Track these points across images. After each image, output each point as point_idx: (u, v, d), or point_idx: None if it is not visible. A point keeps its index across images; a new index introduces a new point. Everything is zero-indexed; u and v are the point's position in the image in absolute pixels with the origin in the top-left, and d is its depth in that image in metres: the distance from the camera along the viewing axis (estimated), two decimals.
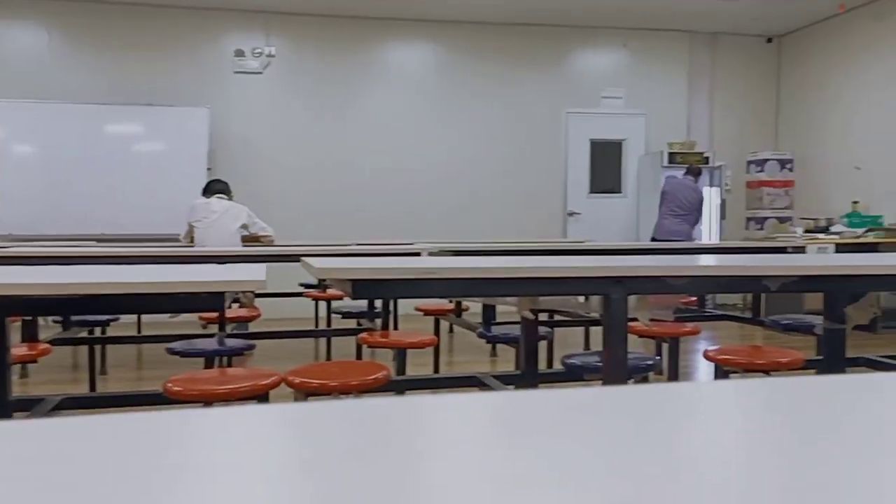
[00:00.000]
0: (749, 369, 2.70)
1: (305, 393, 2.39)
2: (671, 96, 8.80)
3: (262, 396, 2.34)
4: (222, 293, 1.81)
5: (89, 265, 2.87)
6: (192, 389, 2.28)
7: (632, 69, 8.72)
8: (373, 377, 2.42)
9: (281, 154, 7.95)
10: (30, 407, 2.71)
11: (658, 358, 3.56)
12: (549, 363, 4.39)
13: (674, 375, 3.69)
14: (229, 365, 3.72)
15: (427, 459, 0.38)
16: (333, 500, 0.32)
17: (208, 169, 7.37)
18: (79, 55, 7.55)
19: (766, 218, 8.34)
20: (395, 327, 5.33)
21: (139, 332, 5.84)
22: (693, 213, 7.05)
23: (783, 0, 7.62)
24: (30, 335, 3.89)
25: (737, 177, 8.61)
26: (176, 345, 3.24)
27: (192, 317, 5.12)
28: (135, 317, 6.07)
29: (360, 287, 1.94)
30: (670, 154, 8.15)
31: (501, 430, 0.43)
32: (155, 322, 5.79)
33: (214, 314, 4.27)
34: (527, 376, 3.04)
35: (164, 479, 0.34)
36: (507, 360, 5.09)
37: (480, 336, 3.87)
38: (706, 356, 2.83)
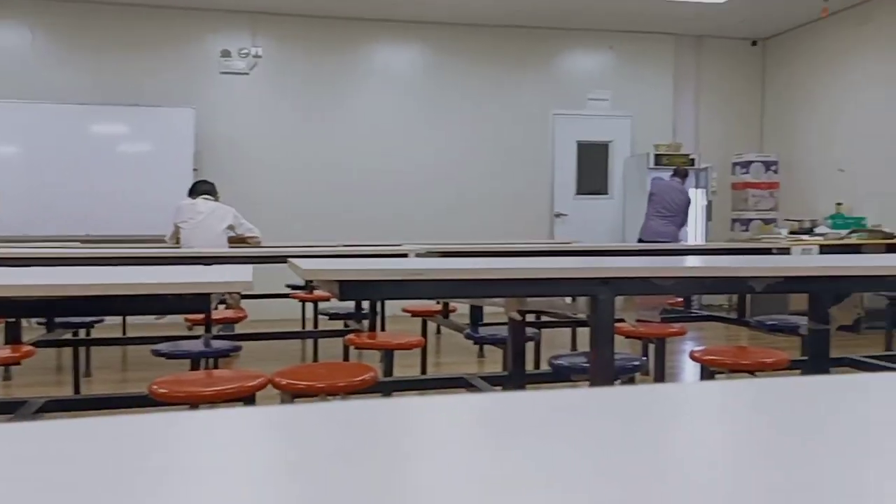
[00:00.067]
0: (735, 370, 2.71)
1: (292, 394, 2.38)
2: (657, 98, 8.85)
3: (248, 398, 2.33)
4: (208, 294, 1.80)
5: (74, 266, 2.84)
6: (178, 391, 2.26)
7: (618, 71, 8.76)
8: (360, 378, 2.42)
9: (268, 155, 7.92)
10: (13, 410, 2.68)
11: (644, 358, 3.57)
12: (537, 364, 4.40)
13: (660, 376, 3.70)
14: (215, 366, 3.70)
15: (414, 461, 0.38)
16: (320, 502, 0.32)
17: (194, 170, 7.33)
18: (63, 55, 7.50)
19: (751, 219, 8.40)
20: (383, 328, 5.32)
21: (124, 333, 5.79)
22: (679, 214, 7.09)
23: (768, 4, 7.68)
24: (13, 337, 3.85)
25: (722, 178, 8.66)
26: (161, 346, 3.22)
27: (178, 318, 5.08)
28: (120, 318, 6.03)
29: (347, 288, 1.93)
30: (656, 156, 8.18)
31: (489, 432, 0.43)
32: (140, 323, 5.75)
33: (200, 315, 4.25)
34: (514, 377, 3.04)
35: (150, 482, 0.34)
36: (494, 361, 5.10)
37: (468, 337, 3.87)
38: (692, 357, 2.84)
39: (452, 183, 8.29)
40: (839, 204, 7.56)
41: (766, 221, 8.27)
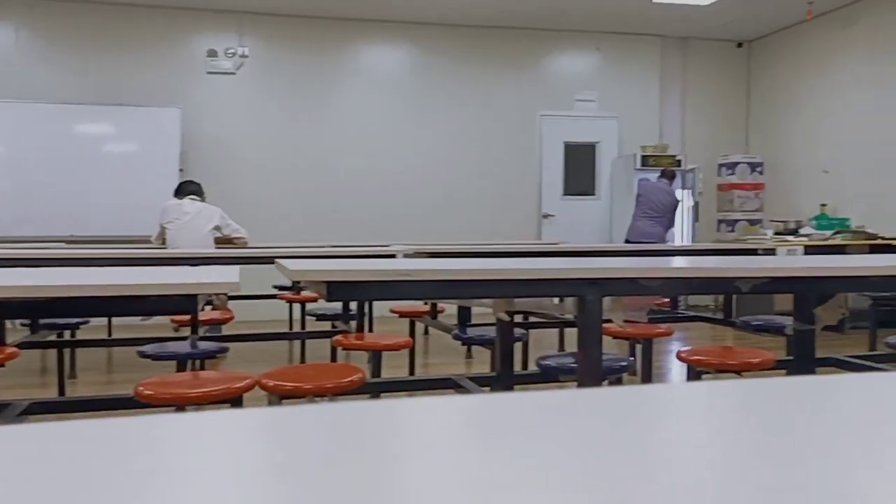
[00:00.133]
0: (721, 370, 2.73)
1: (280, 396, 2.37)
2: (643, 100, 8.89)
3: (235, 400, 2.32)
4: (195, 295, 1.79)
5: (58, 267, 2.82)
6: (164, 393, 2.25)
7: (605, 73, 8.80)
8: (348, 380, 2.41)
9: (254, 155, 7.89)
10: None
11: (632, 359, 3.58)
12: (525, 365, 4.40)
13: (647, 376, 3.72)
14: (202, 368, 3.68)
15: (403, 462, 0.38)
16: None
17: (180, 170, 7.29)
18: (48, 54, 7.44)
19: (736, 220, 8.45)
20: (370, 329, 5.31)
21: (109, 335, 5.75)
22: (666, 215, 7.13)
23: (753, 6, 7.74)
24: None
25: (708, 180, 8.71)
26: (147, 348, 3.20)
27: (164, 319, 5.06)
28: (105, 320, 5.98)
29: (334, 289, 1.93)
30: (643, 157, 8.22)
31: (477, 433, 0.43)
32: (126, 325, 5.72)
33: (187, 317, 4.22)
34: (502, 378, 3.04)
35: (136, 485, 0.34)
36: (482, 362, 5.10)
37: (456, 338, 3.87)
38: (679, 357, 2.86)
39: (440, 183, 8.29)
40: (823, 205, 7.63)
41: (752, 222, 8.33)
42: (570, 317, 4.19)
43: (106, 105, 7.34)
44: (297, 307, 5.78)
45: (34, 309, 1.80)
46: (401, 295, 2.02)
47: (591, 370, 2.19)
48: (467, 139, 8.39)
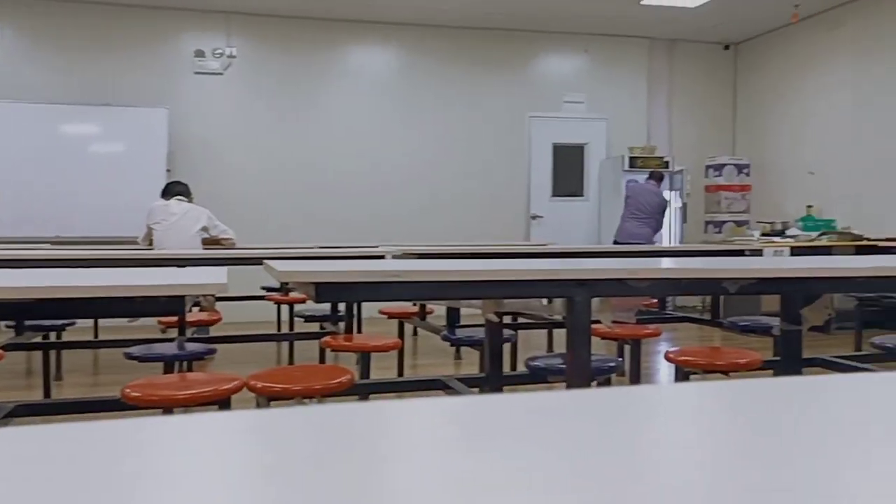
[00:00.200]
0: (709, 370, 2.74)
1: (268, 398, 2.36)
2: (631, 101, 8.93)
3: (223, 402, 2.31)
4: (182, 297, 1.78)
5: (44, 268, 2.80)
6: (152, 395, 2.23)
7: (593, 74, 8.83)
8: (336, 381, 2.40)
9: (242, 156, 7.86)
10: None
11: (620, 360, 3.60)
12: (513, 365, 4.41)
13: (636, 377, 3.73)
14: (189, 370, 3.67)
15: (392, 464, 0.38)
16: None
17: (167, 170, 7.25)
18: (34, 53, 7.38)
19: (724, 221, 8.50)
20: (359, 330, 5.30)
21: (96, 336, 5.71)
22: (653, 216, 7.16)
23: (740, 8, 7.79)
24: None
25: (696, 181, 8.76)
26: (134, 349, 3.17)
27: (151, 321, 5.03)
28: (91, 321, 5.94)
29: (323, 290, 1.92)
30: (631, 158, 8.25)
31: (466, 434, 0.43)
32: (112, 326, 5.67)
33: (174, 318, 4.20)
34: (491, 379, 3.05)
35: (123, 489, 0.33)
36: (471, 363, 5.10)
37: (445, 339, 3.87)
38: (667, 358, 2.87)
39: (428, 185, 8.29)
40: (810, 206, 7.68)
41: (739, 223, 8.38)
42: (558, 318, 4.20)
43: (92, 105, 7.30)
44: (285, 308, 5.76)
45: (19, 310, 1.78)
46: (390, 296, 2.02)
47: (579, 371, 2.19)
48: (456, 140, 8.39)
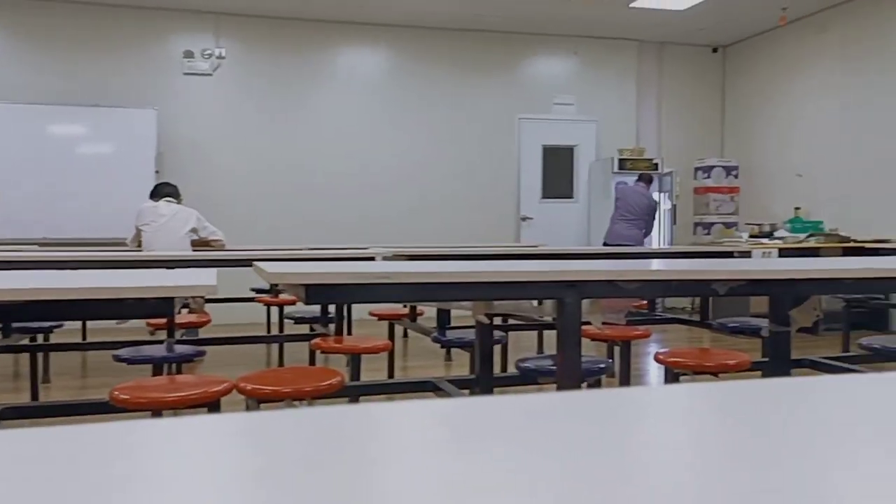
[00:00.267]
0: (698, 371, 2.75)
1: (258, 400, 2.35)
2: (621, 103, 8.96)
3: (212, 404, 2.30)
4: (171, 298, 1.77)
5: (31, 270, 2.78)
6: (140, 397, 2.22)
7: (582, 76, 8.85)
8: (326, 383, 2.40)
9: (231, 157, 7.83)
10: None
11: (610, 361, 3.61)
12: (504, 367, 4.41)
13: (625, 378, 3.74)
14: (178, 372, 3.65)
15: (382, 466, 0.38)
16: None
17: (156, 172, 7.22)
18: (21, 54, 7.33)
19: (712, 223, 8.54)
20: (349, 332, 5.29)
21: (84, 338, 5.67)
22: (643, 218, 7.19)
23: (728, 11, 7.83)
24: None
25: (684, 183, 8.80)
26: (123, 352, 3.16)
27: (140, 323, 5.00)
28: (79, 323, 5.90)
29: (313, 292, 1.92)
30: (620, 160, 8.28)
31: (457, 436, 0.43)
32: (101, 328, 5.63)
33: (163, 320, 4.18)
34: (481, 380, 3.05)
35: (112, 492, 0.33)
36: (461, 364, 5.10)
37: (435, 340, 3.87)
38: (657, 359, 2.88)
39: (418, 186, 8.29)
40: (797, 208, 7.73)
41: (728, 225, 8.42)
42: (548, 319, 4.21)
43: (81, 106, 7.25)
44: (274, 310, 5.75)
45: (7, 312, 1.77)
46: (380, 298, 2.02)
47: (569, 372, 2.20)
48: (446, 142, 8.40)
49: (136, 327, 5.04)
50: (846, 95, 7.44)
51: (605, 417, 0.47)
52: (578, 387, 2.26)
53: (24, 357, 4.81)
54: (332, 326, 4.67)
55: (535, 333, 5.23)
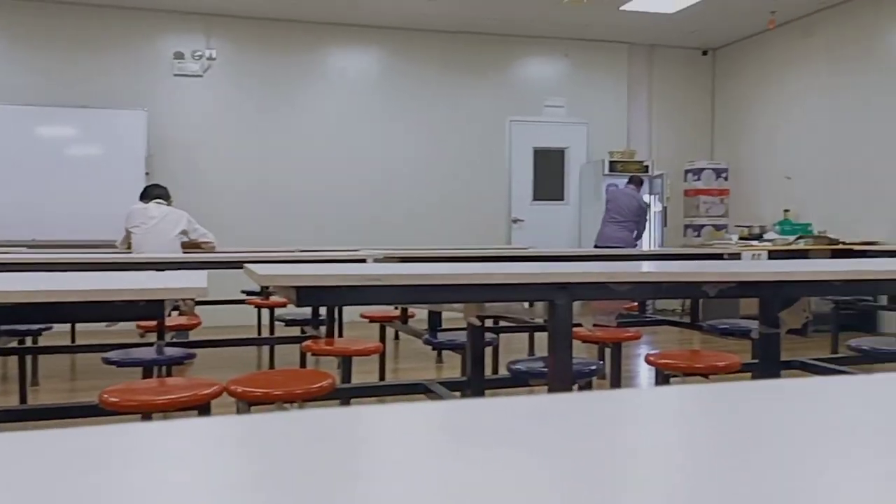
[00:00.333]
0: (689, 373, 2.76)
1: (248, 403, 2.34)
2: (611, 106, 8.99)
3: (203, 407, 2.29)
4: (161, 301, 1.76)
5: (20, 272, 2.76)
6: (130, 400, 2.21)
7: (573, 79, 8.88)
8: (317, 385, 2.39)
9: (222, 159, 7.81)
10: None
11: (601, 363, 3.61)
12: (495, 369, 4.41)
13: (616, 380, 3.75)
14: (169, 374, 3.63)
15: (372, 470, 0.38)
16: None
17: (146, 173, 7.19)
18: (9, 54, 7.29)
19: (702, 225, 8.58)
20: (340, 335, 5.28)
21: (73, 341, 5.64)
22: (633, 220, 7.21)
23: (717, 14, 7.87)
24: None
25: (675, 185, 8.84)
26: (112, 354, 3.14)
27: (130, 325, 4.98)
28: (68, 325, 5.87)
29: (304, 294, 1.91)
30: (611, 163, 8.31)
31: (448, 439, 0.43)
32: (90, 331, 5.60)
33: (153, 322, 4.16)
34: (473, 382, 3.05)
35: (100, 497, 0.33)
36: (452, 367, 5.10)
37: (426, 342, 3.86)
38: (647, 361, 2.89)
39: (409, 188, 8.29)
40: (787, 210, 7.78)
41: (718, 227, 8.46)
42: (540, 321, 4.21)
43: (70, 107, 7.22)
44: (265, 312, 5.73)
45: None
46: (371, 300, 2.01)
47: (561, 374, 2.20)
48: (437, 144, 8.40)
49: (125, 330, 5.02)
50: (834, 98, 7.49)
51: (597, 419, 0.47)
52: (570, 389, 2.27)
53: (13, 360, 4.78)
54: (323, 329, 4.67)
55: (526, 335, 5.23)
